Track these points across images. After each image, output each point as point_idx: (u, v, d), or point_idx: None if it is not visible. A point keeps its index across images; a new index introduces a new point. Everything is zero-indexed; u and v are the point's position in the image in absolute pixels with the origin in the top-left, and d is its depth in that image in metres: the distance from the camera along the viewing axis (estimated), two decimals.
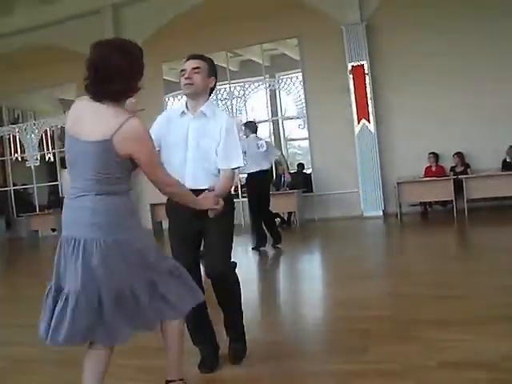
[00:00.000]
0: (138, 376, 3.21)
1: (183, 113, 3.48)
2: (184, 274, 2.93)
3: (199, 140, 3.40)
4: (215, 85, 3.56)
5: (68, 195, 2.69)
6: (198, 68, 3.41)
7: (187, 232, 3.43)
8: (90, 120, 2.59)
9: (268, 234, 9.28)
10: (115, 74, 2.54)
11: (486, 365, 3.11)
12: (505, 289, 4.87)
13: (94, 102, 2.61)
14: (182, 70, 3.44)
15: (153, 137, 2.82)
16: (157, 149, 3.24)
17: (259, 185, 9.18)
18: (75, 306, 2.53)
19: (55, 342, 2.56)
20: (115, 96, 2.60)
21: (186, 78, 3.41)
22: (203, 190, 3.25)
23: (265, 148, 9.14)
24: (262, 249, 9.11)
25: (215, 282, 3.48)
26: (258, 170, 9.01)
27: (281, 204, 12.82)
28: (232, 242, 3.56)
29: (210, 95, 3.55)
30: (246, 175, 9.95)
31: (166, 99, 15.67)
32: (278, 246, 9.15)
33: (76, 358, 3.05)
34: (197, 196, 3.09)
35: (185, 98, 3.55)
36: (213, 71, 3.52)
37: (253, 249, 9.18)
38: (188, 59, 3.48)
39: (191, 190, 3.12)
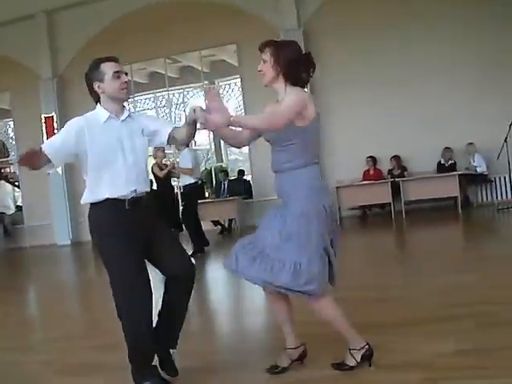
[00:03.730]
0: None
1: (109, 118, 3.35)
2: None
3: (133, 142, 3.35)
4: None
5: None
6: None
7: (137, 245, 3.27)
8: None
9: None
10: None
11: (420, 365, 3.14)
12: (441, 289, 4.96)
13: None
14: (118, 72, 3.33)
15: (68, 145, 3.22)
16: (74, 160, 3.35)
17: (194, 194, 9.73)
18: None
19: None
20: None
21: (125, 82, 3.35)
22: (141, 197, 3.36)
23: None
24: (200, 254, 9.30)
25: (188, 283, 3.45)
26: (192, 181, 9.55)
27: (221, 211, 12.84)
28: None
29: None
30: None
31: None
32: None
33: None
34: (138, 205, 3.32)
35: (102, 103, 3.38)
36: None
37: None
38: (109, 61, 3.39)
39: (139, 196, 3.33)
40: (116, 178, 3.28)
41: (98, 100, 3.38)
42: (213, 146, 19.66)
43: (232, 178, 15.01)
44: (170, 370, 3.42)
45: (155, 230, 3.42)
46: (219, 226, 13.39)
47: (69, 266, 11.37)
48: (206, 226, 12.92)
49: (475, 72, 12.21)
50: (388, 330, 3.88)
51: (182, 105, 16.73)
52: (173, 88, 15.94)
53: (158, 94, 16.46)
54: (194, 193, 9.70)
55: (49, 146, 3.24)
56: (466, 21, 12.24)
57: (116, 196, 3.27)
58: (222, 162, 18.85)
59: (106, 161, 3.28)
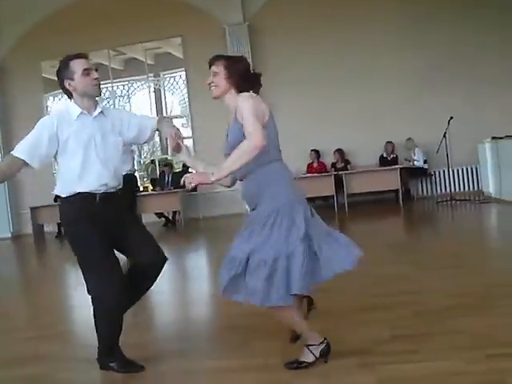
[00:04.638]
0: None
1: (81, 114, 3.38)
2: None
3: (105, 139, 3.40)
4: None
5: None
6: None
7: (105, 235, 3.35)
8: None
9: None
10: None
11: (358, 351, 3.24)
12: (379, 279, 5.11)
13: None
14: (87, 69, 3.36)
15: (41, 146, 3.25)
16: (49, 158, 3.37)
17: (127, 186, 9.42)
18: None
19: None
20: None
21: (96, 78, 3.40)
22: (112, 193, 3.41)
23: None
24: None
25: (158, 269, 3.50)
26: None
27: (165, 203, 12.82)
28: None
29: None
30: None
31: (47, 98, 15.08)
32: None
33: None
34: (109, 199, 3.37)
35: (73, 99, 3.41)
36: None
37: None
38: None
39: (110, 192, 3.39)
40: (87, 173, 3.33)
41: (70, 96, 3.42)
42: (158, 139, 19.56)
43: (177, 170, 14.97)
44: None
45: (125, 223, 3.47)
46: (163, 219, 13.36)
47: (8, 260, 11.14)
48: (150, 218, 12.91)
49: (416, 69, 12.54)
50: (326, 320, 3.96)
51: (125, 97, 16.55)
52: (117, 80, 15.75)
53: (101, 86, 16.24)
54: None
55: (21, 151, 3.27)
56: (405, 21, 12.57)
57: (87, 190, 3.33)
58: (167, 154, 18.77)
59: (78, 156, 3.32)
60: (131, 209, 9.34)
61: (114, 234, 3.39)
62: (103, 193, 3.37)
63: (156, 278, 3.52)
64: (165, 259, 3.51)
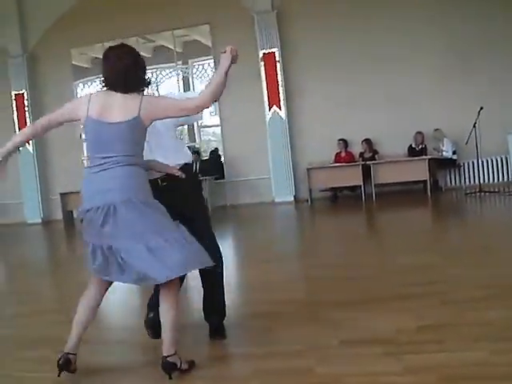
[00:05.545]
0: (36, 368, 3.26)
1: None
2: None
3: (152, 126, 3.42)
4: None
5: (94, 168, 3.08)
6: None
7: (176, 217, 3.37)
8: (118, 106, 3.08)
9: None
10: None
11: (382, 340, 3.26)
12: (406, 268, 5.11)
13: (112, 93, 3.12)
14: None
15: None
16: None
17: None
18: None
19: None
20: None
21: None
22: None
23: None
24: None
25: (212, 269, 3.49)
26: None
27: None
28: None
29: None
30: None
31: (76, 86, 15.22)
32: None
33: None
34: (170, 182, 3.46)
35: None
36: None
37: None
38: None
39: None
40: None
41: None
42: (185, 126, 19.63)
43: (204, 158, 15.04)
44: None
45: (190, 210, 3.59)
46: None
47: (39, 245, 11.32)
48: None
49: (446, 57, 12.36)
50: (353, 307, 4.00)
51: (154, 84, 16.56)
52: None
53: None
54: None
55: None
56: (437, 7, 12.36)
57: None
58: (195, 142, 18.82)
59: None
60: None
61: (183, 217, 3.40)
62: (163, 176, 3.45)
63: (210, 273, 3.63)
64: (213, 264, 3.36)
